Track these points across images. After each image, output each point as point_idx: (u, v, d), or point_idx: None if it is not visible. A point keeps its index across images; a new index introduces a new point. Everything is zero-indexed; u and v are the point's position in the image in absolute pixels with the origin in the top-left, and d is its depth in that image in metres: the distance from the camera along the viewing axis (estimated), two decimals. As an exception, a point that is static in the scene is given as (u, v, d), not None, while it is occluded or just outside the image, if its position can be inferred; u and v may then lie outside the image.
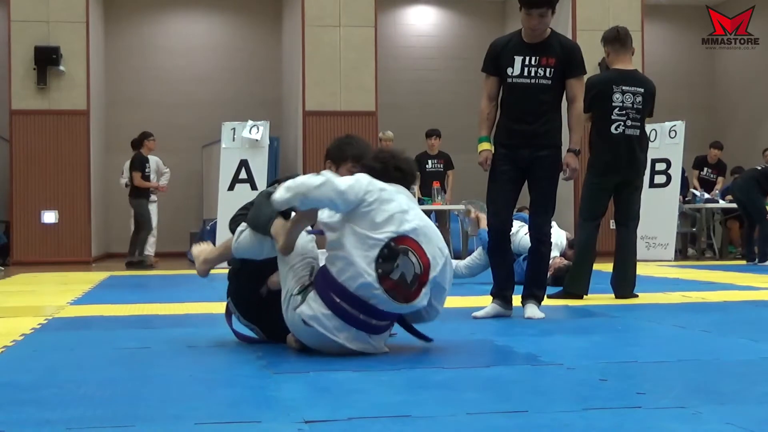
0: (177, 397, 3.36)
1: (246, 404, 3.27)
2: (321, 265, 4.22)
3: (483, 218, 8.94)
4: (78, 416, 3.03)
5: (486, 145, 6.00)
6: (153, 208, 14.13)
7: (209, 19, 18.23)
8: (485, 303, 6.04)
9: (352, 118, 15.08)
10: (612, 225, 7.28)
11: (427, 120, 16.29)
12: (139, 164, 13.67)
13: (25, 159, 14.48)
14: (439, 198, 12.88)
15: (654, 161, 13.63)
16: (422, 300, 4.18)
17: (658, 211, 13.36)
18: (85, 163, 14.60)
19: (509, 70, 5.90)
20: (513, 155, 5.92)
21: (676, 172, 13.66)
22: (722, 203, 14.70)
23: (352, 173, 4.47)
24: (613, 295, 7.15)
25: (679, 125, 13.71)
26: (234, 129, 12.98)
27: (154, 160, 14.23)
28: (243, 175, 12.80)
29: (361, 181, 4.18)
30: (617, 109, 7.04)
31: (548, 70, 5.85)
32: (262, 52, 18.04)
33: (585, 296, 7.07)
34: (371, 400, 3.26)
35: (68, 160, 14.52)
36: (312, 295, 4.11)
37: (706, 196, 14.79)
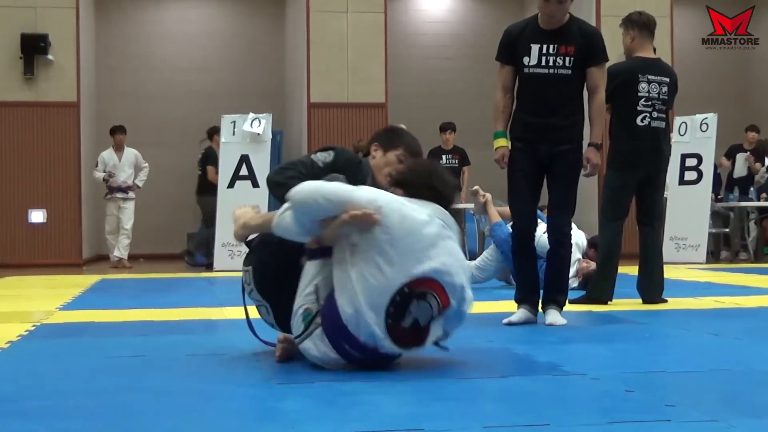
0: (172, 410, 3.36)
1: (246, 417, 3.27)
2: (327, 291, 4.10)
3: (495, 212, 8.91)
4: (66, 429, 3.03)
5: (502, 141, 5.98)
6: (130, 206, 14.15)
7: (207, 4, 18.26)
8: (504, 309, 6.04)
9: (361, 110, 15.09)
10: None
11: (441, 112, 16.29)
12: (213, 159, 13.80)
13: (11, 154, 14.52)
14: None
15: (684, 156, 13.62)
16: (434, 334, 4.09)
17: (689, 211, 13.34)
18: (75, 158, 14.63)
19: (525, 60, 5.87)
20: (531, 150, 5.90)
21: (707, 168, 13.63)
22: (757, 203, 14.68)
23: (400, 161, 4.57)
24: (639, 301, 7.14)
25: (711, 118, 13.67)
26: (234, 122, 13.00)
27: (132, 153, 14.27)
28: (244, 171, 12.82)
29: (387, 199, 4.08)
30: (643, 99, 7.02)
31: (567, 59, 5.81)
32: (264, 40, 18.05)
33: (609, 302, 7.06)
34: (381, 413, 3.26)
35: (57, 155, 14.55)
36: (319, 333, 4.03)
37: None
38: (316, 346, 4.05)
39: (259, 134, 12.87)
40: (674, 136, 13.81)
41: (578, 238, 8.58)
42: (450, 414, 3.23)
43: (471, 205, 12.90)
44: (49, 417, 3.21)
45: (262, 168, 12.71)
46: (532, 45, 5.86)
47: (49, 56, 14.38)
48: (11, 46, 14.43)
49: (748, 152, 15.23)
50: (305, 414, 3.26)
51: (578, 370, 4.09)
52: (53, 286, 10.03)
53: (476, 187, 9.32)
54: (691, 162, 13.64)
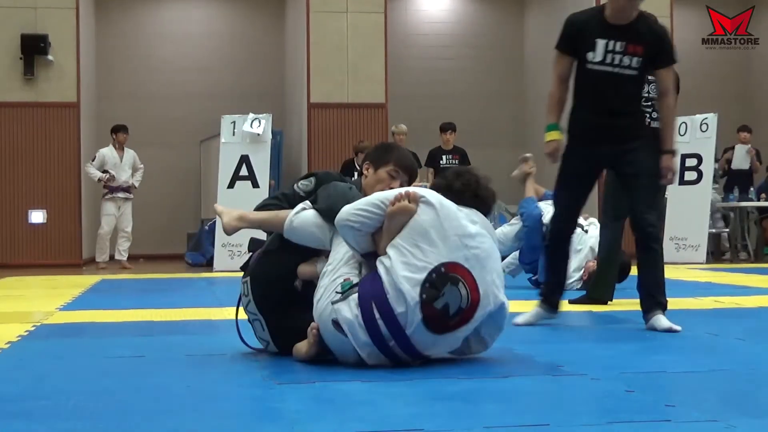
0: (173, 410, 3.36)
1: (247, 417, 3.27)
2: (371, 269, 4.17)
3: (531, 187, 8.84)
4: (67, 429, 3.04)
5: (555, 134, 5.71)
6: (129, 207, 14.13)
7: (207, 4, 18.26)
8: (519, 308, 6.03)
9: (361, 110, 15.08)
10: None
11: (441, 112, 16.28)
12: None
13: (11, 154, 14.52)
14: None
15: (684, 156, 13.60)
16: (458, 336, 4.15)
17: (689, 211, 13.34)
18: (76, 159, 14.62)
19: (590, 55, 5.56)
20: (589, 151, 5.66)
21: (707, 169, 13.63)
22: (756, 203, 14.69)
23: (391, 176, 4.61)
24: (639, 301, 7.13)
25: (711, 118, 13.67)
26: (234, 122, 13.00)
27: (131, 154, 14.23)
28: (244, 171, 12.82)
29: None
30: (643, 99, 7.00)
31: (635, 59, 5.51)
32: (264, 40, 18.05)
33: (609, 302, 7.05)
34: (381, 413, 3.26)
35: (57, 155, 14.55)
36: (354, 297, 4.06)
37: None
38: (350, 308, 4.04)
39: (259, 134, 12.87)
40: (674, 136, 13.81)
41: (596, 241, 8.51)
42: (450, 414, 3.23)
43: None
44: (49, 417, 3.21)
45: (262, 168, 12.71)
46: (597, 40, 5.53)
47: (49, 56, 14.38)
48: (11, 47, 14.43)
49: (750, 146, 15.27)
50: (305, 414, 3.26)
51: (578, 371, 4.09)
52: (53, 286, 10.03)
53: (529, 154, 9.21)
54: (691, 162, 13.63)
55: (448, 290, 4.03)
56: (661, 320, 5.58)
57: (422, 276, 4.01)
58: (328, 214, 4.32)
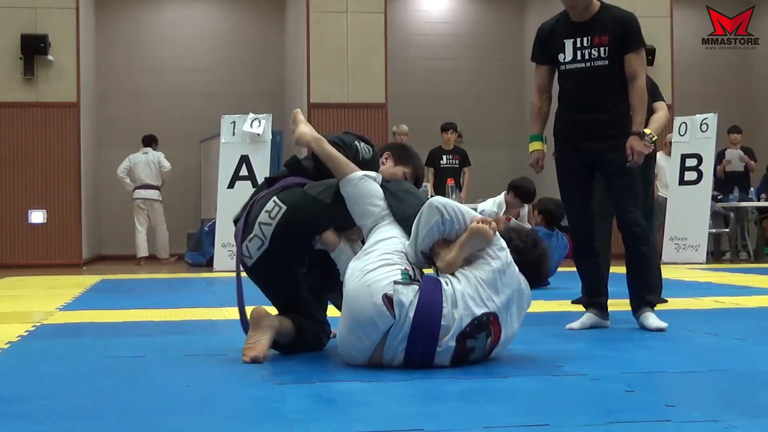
0: (173, 410, 3.36)
1: (247, 417, 3.27)
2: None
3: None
4: (68, 429, 3.04)
5: (537, 145, 5.82)
6: (159, 208, 15.07)
7: (207, 5, 18.26)
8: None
9: (361, 110, 15.09)
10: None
11: (441, 113, 16.29)
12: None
13: (11, 154, 14.52)
14: (454, 196, 12.87)
15: (684, 157, 13.63)
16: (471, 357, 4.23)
17: (689, 211, 13.34)
18: (76, 159, 14.63)
19: (561, 57, 5.67)
20: (576, 149, 5.68)
21: (707, 169, 13.63)
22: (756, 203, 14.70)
23: (405, 178, 4.79)
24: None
25: (711, 118, 13.68)
26: (234, 122, 12.99)
27: (157, 155, 14.94)
28: (244, 171, 12.81)
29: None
30: None
31: (602, 49, 5.57)
32: (264, 40, 18.05)
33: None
34: (381, 413, 3.26)
35: (57, 155, 14.55)
36: (415, 289, 4.06)
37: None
38: (407, 296, 4.02)
39: (259, 135, 12.87)
40: (674, 136, 13.82)
41: None
42: (450, 414, 3.24)
43: (472, 206, 12.92)
44: (50, 417, 3.21)
45: (262, 168, 12.71)
46: (565, 40, 5.66)
47: (49, 57, 14.38)
48: (11, 47, 14.43)
49: (741, 152, 15.33)
50: (305, 414, 3.26)
51: (578, 371, 4.09)
52: (53, 286, 10.04)
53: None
54: (691, 162, 13.64)
55: (481, 337, 4.12)
56: (649, 319, 5.60)
57: (478, 312, 4.07)
58: (402, 215, 4.38)
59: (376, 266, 4.12)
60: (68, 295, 8.49)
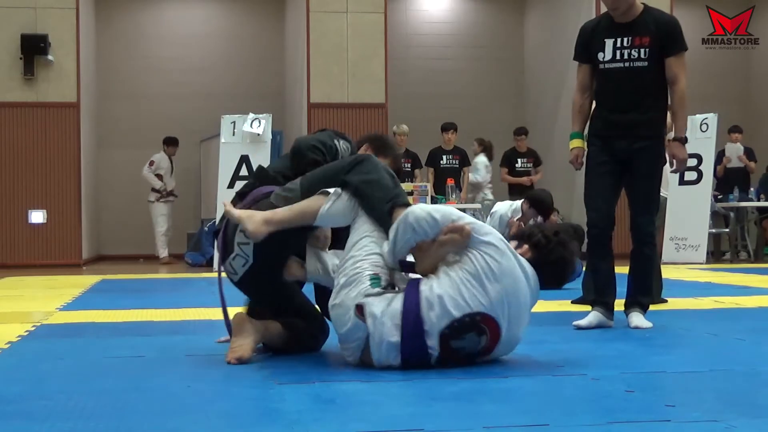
0: (173, 410, 3.36)
1: (247, 417, 3.27)
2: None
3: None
4: (68, 429, 3.03)
5: (577, 142, 5.87)
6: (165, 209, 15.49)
7: (207, 4, 18.26)
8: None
9: (361, 110, 15.08)
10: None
11: (441, 113, 16.29)
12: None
13: (11, 154, 14.51)
14: (454, 196, 12.88)
15: (684, 157, 13.61)
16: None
17: (689, 211, 13.33)
18: (76, 159, 14.62)
19: (600, 56, 5.71)
20: (608, 147, 5.72)
21: (708, 169, 13.64)
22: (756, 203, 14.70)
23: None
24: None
25: (711, 118, 13.68)
26: (234, 122, 13.00)
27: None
28: (243, 171, 12.82)
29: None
30: None
31: (643, 50, 5.60)
32: (264, 40, 18.05)
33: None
34: (381, 413, 3.26)
35: (57, 155, 14.55)
36: (399, 299, 4.05)
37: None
38: (380, 307, 4.02)
39: (258, 134, 12.87)
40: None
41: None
42: (450, 414, 3.23)
43: (472, 206, 12.93)
44: (50, 418, 3.21)
45: (262, 168, 12.68)
46: (606, 40, 5.69)
47: (49, 57, 14.37)
48: (11, 47, 14.42)
49: (742, 147, 15.40)
50: (305, 414, 3.26)
51: (578, 371, 4.09)
52: (53, 286, 10.04)
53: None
54: (691, 162, 13.58)
55: (469, 337, 4.06)
56: (633, 318, 5.72)
57: (457, 314, 4.00)
58: (369, 211, 4.32)
59: (347, 280, 4.14)
60: (68, 295, 8.49)
